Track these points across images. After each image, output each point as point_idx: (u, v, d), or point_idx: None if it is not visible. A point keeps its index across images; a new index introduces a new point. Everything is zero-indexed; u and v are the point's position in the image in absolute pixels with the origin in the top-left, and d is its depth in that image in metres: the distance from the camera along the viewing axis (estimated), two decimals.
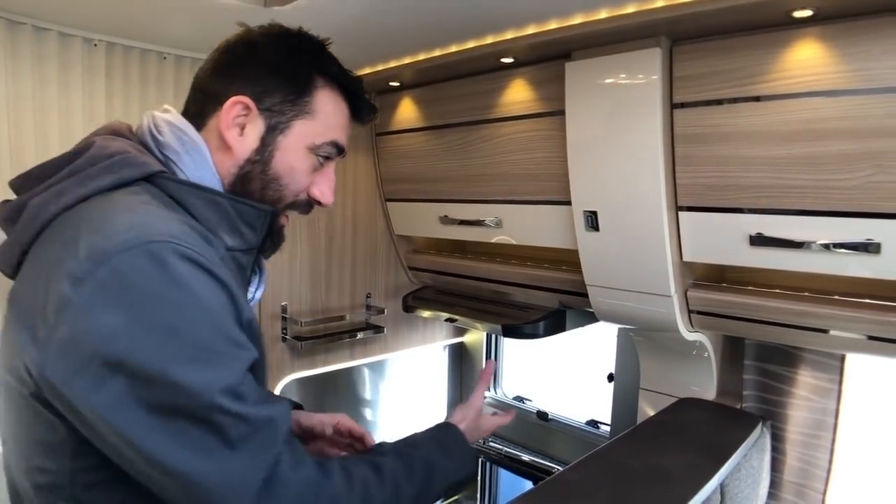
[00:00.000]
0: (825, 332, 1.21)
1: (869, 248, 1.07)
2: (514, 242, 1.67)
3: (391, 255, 2.17)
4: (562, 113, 1.38)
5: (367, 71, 1.69)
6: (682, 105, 1.23)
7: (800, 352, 1.46)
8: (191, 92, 0.89)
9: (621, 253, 1.36)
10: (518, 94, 1.53)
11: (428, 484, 0.92)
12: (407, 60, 1.58)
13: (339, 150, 0.92)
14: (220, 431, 0.68)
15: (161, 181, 0.79)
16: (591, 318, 1.59)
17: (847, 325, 1.17)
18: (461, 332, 2.52)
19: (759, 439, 1.32)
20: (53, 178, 0.76)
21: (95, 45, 1.46)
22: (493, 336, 2.44)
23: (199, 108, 0.86)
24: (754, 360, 1.54)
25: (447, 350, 2.52)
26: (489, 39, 1.40)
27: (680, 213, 1.29)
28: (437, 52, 1.52)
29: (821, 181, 1.10)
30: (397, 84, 1.82)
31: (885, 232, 1.05)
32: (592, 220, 1.37)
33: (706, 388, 1.56)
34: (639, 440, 1.24)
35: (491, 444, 2.09)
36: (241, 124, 0.84)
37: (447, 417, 1.10)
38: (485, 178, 1.66)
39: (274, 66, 0.85)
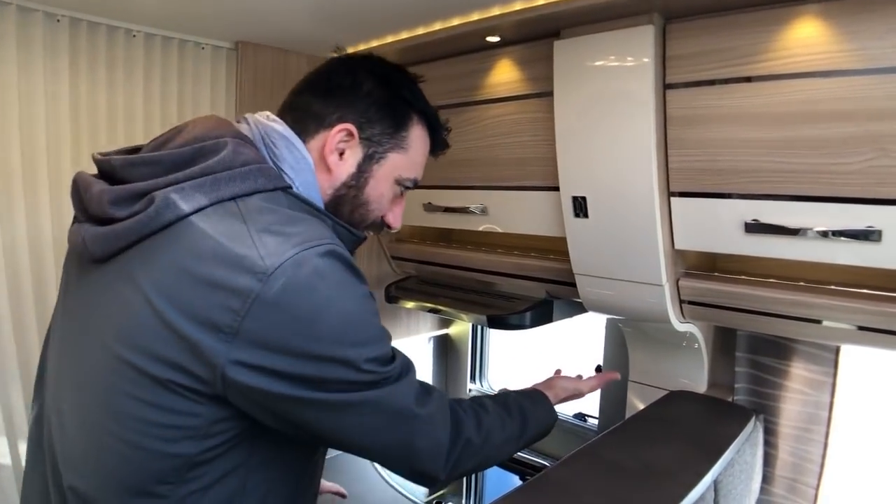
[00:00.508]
0: (818, 322, 1.16)
1: (870, 235, 1.02)
2: (500, 230, 1.62)
3: (373, 244, 2.11)
4: (550, 94, 1.32)
5: (348, 52, 1.62)
6: (676, 86, 1.18)
7: (793, 344, 1.42)
8: (287, 108, 0.93)
9: (611, 240, 1.31)
10: (504, 75, 1.47)
11: (524, 423, 1.05)
12: (389, 39, 1.52)
13: (416, 184, 1.01)
14: (390, 378, 0.80)
15: (287, 193, 0.84)
16: (579, 308, 1.54)
17: (843, 316, 1.13)
18: (446, 323, 2.46)
19: (752, 433, 1.28)
20: (181, 174, 0.76)
21: (58, 20, 1.39)
22: (479, 327, 2.39)
23: (301, 126, 0.90)
24: (746, 353, 1.50)
25: (432, 342, 2.46)
26: (475, 16, 1.34)
27: (672, 199, 1.23)
28: (420, 31, 1.46)
29: (820, 165, 1.05)
30: None
31: (886, 219, 1.01)
32: (581, 207, 1.31)
33: (697, 380, 1.52)
34: (629, 435, 1.19)
35: None
36: (341, 149, 0.90)
37: (546, 381, 1.24)
38: (470, 163, 1.60)
39: (376, 99, 0.91)
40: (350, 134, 0.90)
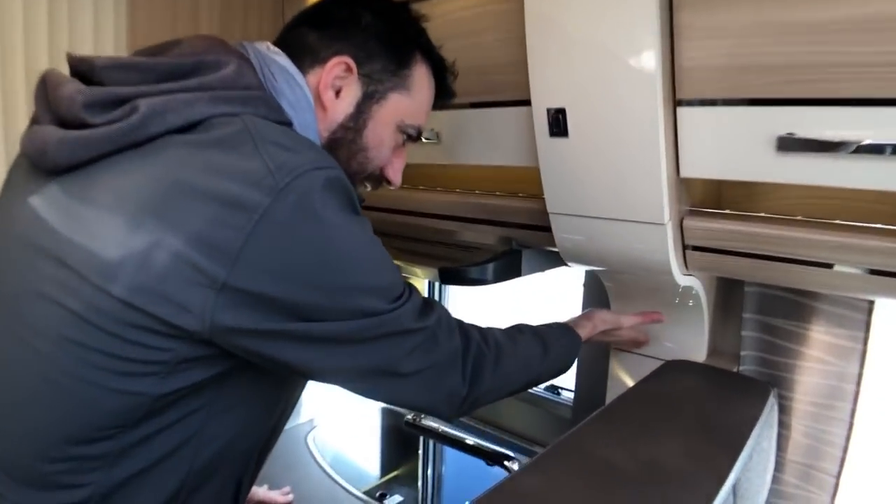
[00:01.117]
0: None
1: None
2: (454, 162, 1.31)
3: None
4: None
5: None
6: None
7: (813, 302, 1.15)
8: (280, 44, 0.87)
9: (597, 166, 1.01)
10: None
11: (540, 339, 1.01)
12: None
13: (420, 134, 0.94)
14: (400, 303, 0.76)
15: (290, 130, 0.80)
16: (555, 259, 1.26)
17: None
18: None
19: (769, 414, 1.02)
20: (175, 84, 0.70)
21: None
22: (438, 285, 2.10)
23: (296, 62, 0.84)
24: (755, 314, 1.23)
25: None
26: None
27: (679, 109, 0.93)
28: None
29: (885, 56, 0.75)
30: None
31: None
32: (559, 122, 1.00)
33: (695, 347, 1.25)
34: (620, 422, 0.91)
35: (426, 421, 1.74)
36: (337, 87, 0.85)
37: (583, 314, 1.18)
38: None
39: (376, 32, 0.86)
40: (348, 69, 0.85)
